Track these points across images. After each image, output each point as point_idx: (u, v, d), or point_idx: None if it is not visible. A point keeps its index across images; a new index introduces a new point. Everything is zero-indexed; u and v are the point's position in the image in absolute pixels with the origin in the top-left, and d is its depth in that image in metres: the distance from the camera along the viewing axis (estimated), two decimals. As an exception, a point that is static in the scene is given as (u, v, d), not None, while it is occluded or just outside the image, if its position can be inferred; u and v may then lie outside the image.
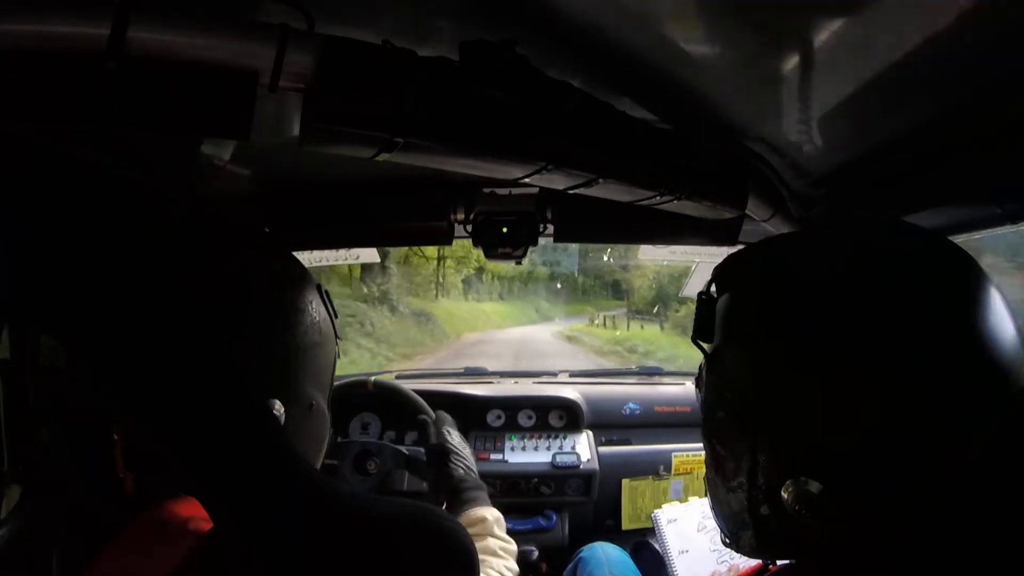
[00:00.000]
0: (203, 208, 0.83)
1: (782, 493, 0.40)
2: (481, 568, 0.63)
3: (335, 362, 0.57)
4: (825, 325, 0.40)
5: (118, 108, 0.38)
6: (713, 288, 0.50)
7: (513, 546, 0.73)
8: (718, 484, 0.47)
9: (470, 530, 0.59)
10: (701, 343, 0.49)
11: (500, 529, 0.75)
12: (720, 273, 0.50)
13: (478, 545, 0.67)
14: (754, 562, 0.52)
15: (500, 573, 0.68)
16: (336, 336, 0.58)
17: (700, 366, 0.51)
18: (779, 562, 0.47)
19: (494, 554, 0.70)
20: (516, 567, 0.71)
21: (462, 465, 0.84)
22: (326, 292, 0.57)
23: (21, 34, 0.35)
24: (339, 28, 0.43)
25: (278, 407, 0.47)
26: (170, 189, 0.76)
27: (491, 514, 0.75)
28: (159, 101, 0.38)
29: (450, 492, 0.80)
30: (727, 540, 0.48)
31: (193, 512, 0.42)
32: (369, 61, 0.42)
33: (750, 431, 0.43)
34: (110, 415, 0.42)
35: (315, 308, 0.53)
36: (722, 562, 1.00)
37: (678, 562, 1.01)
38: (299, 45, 0.39)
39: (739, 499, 0.44)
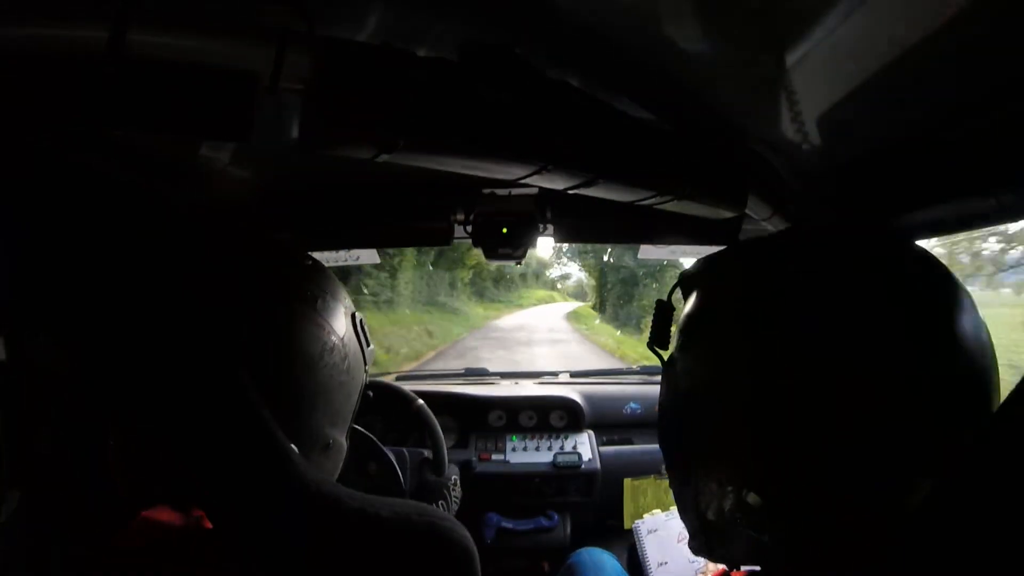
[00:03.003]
0: (212, 211, 0.83)
1: (722, 502, 0.40)
2: None
3: (362, 391, 0.55)
4: (809, 328, 0.39)
5: (118, 110, 0.38)
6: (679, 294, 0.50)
7: None
8: (674, 483, 0.49)
9: None
10: (658, 349, 0.51)
11: None
12: (692, 278, 0.49)
13: None
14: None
15: None
16: (365, 364, 0.55)
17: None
18: (743, 568, 0.47)
19: None
20: None
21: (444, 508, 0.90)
22: (361, 321, 0.55)
23: (21, 37, 0.35)
24: (338, 30, 0.43)
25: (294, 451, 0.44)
26: (170, 191, 0.76)
27: None
28: (159, 103, 0.39)
29: None
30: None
31: (192, 513, 0.42)
32: (369, 62, 0.42)
33: (701, 436, 0.43)
34: (106, 418, 0.42)
35: (345, 343, 0.51)
36: (699, 573, 1.00)
37: (656, 573, 1.01)
38: (298, 46, 0.39)
39: (688, 496, 0.44)
